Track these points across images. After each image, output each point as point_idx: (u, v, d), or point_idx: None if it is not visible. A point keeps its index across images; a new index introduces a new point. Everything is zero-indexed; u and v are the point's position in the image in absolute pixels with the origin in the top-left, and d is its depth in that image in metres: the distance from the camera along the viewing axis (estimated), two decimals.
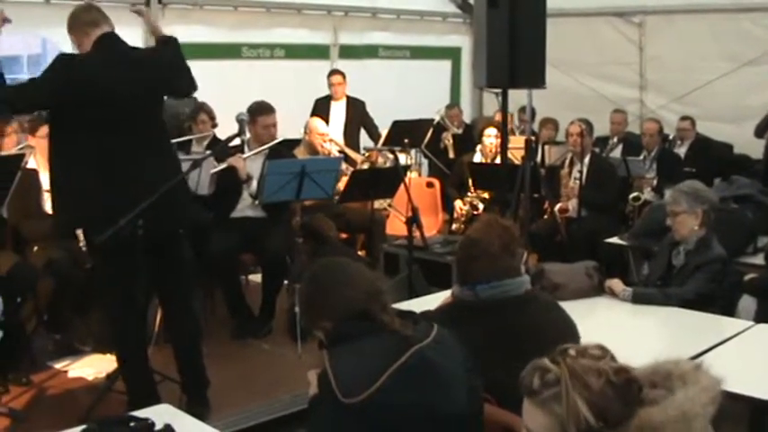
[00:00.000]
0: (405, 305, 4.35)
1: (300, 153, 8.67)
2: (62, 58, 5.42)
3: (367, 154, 10.72)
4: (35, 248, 6.91)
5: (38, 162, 7.00)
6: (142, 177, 5.25)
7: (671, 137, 11.13)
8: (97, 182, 5.23)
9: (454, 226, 10.00)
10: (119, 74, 5.34)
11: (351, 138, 11.03)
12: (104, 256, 5.31)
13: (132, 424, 3.41)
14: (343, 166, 8.57)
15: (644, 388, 2.34)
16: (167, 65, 5.62)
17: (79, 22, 5.47)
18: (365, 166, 9.89)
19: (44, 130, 6.89)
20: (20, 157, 6.51)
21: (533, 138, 10.11)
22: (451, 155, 11.97)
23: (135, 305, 5.58)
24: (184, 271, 5.87)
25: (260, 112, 7.78)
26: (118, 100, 5.29)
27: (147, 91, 5.47)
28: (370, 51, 13.13)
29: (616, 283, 5.64)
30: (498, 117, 10.34)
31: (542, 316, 3.82)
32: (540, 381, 2.34)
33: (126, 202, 5.05)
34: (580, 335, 3.79)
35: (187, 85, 5.69)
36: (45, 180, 6.90)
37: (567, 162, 9.37)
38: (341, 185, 8.19)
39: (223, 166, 7.48)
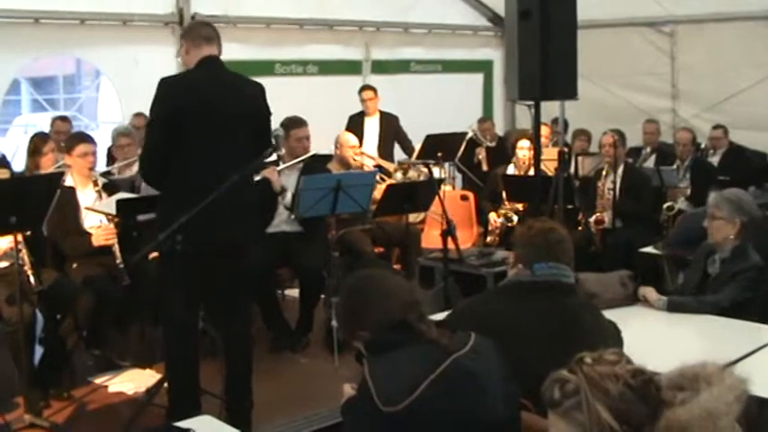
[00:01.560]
0: (440, 316, 4.39)
1: (333, 168, 8.71)
2: (164, 83, 5.51)
3: (398, 161, 10.80)
4: (74, 265, 6.99)
5: (75, 180, 7.09)
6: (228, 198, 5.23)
7: (703, 146, 11.10)
8: (190, 198, 5.25)
9: (489, 238, 9.99)
10: (224, 95, 5.48)
11: (385, 152, 11.07)
12: (173, 266, 5.38)
13: None
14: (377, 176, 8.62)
15: (663, 389, 2.37)
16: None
17: (196, 33, 5.62)
18: (399, 175, 9.93)
19: (80, 149, 7.00)
20: (59, 176, 6.61)
21: (566, 149, 10.11)
22: (485, 168, 11.98)
23: (194, 314, 5.70)
24: (243, 285, 5.94)
25: (293, 125, 7.85)
26: (219, 119, 5.39)
27: (247, 116, 5.55)
28: (402, 66, 13.20)
29: (650, 291, 5.62)
30: (546, 130, 10.47)
31: (582, 311, 3.99)
32: (560, 392, 2.39)
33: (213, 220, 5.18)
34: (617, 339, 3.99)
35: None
36: (82, 198, 7.00)
37: (604, 173, 9.34)
38: (376, 194, 8.22)
39: (257, 178, 7.53)
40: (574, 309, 3.92)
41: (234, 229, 5.52)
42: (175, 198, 5.36)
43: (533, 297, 3.89)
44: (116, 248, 6.84)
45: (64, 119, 10.05)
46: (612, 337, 4.00)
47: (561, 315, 3.84)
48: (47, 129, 9.75)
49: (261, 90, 5.76)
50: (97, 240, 6.88)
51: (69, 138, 7.55)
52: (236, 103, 5.53)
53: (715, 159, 10.83)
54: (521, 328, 3.74)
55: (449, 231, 7.36)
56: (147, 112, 9.22)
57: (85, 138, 7.36)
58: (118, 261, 6.81)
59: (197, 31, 5.66)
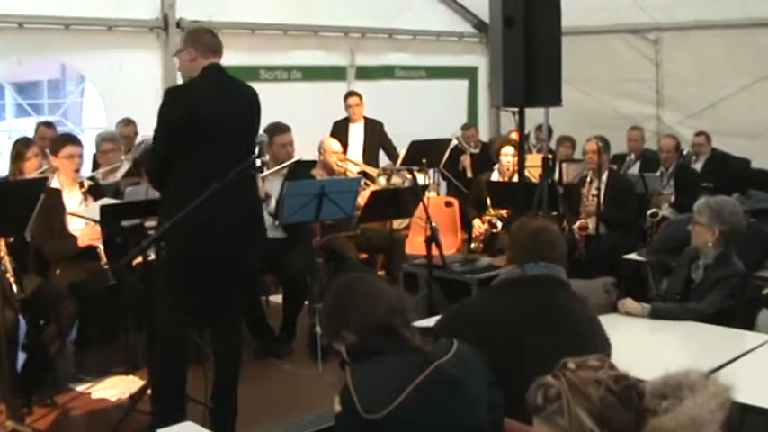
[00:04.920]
0: (424, 323, 4.40)
1: (317, 174, 8.72)
2: (172, 93, 5.62)
3: (383, 167, 10.80)
4: (58, 271, 6.96)
5: (60, 182, 7.06)
6: (236, 204, 5.35)
7: (685, 152, 11.10)
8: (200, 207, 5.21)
9: (473, 245, 9.99)
10: (232, 105, 5.53)
11: (370, 159, 11.06)
12: (165, 272, 5.42)
13: None
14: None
15: (647, 396, 2.38)
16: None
17: (205, 42, 5.65)
18: (382, 180, 9.92)
19: (67, 150, 6.97)
20: (43, 181, 6.57)
21: (551, 156, 10.12)
22: (469, 174, 11.97)
23: (184, 320, 5.70)
24: (241, 294, 5.94)
25: (276, 131, 7.85)
26: (228, 128, 5.43)
27: (250, 124, 5.63)
28: (386, 72, 13.19)
29: (629, 303, 5.64)
30: (516, 136, 10.39)
31: (573, 304, 4.04)
32: (543, 397, 2.41)
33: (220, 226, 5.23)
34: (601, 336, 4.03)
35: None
36: (67, 200, 6.98)
37: (588, 180, 9.35)
38: (360, 200, 8.21)
39: None
40: (564, 300, 3.98)
41: (237, 237, 5.53)
42: (180, 206, 5.34)
43: (523, 291, 3.95)
44: (101, 249, 6.82)
45: (49, 124, 10.00)
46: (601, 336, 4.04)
47: (552, 306, 3.91)
48: (31, 134, 9.71)
49: (257, 97, 5.83)
50: (82, 240, 6.85)
51: (55, 139, 7.50)
52: (238, 112, 5.58)
53: (698, 166, 10.86)
54: (513, 319, 3.80)
55: (433, 238, 7.36)
56: (126, 119, 9.28)
57: (72, 139, 7.33)
58: (103, 262, 6.79)
59: (206, 40, 5.68)
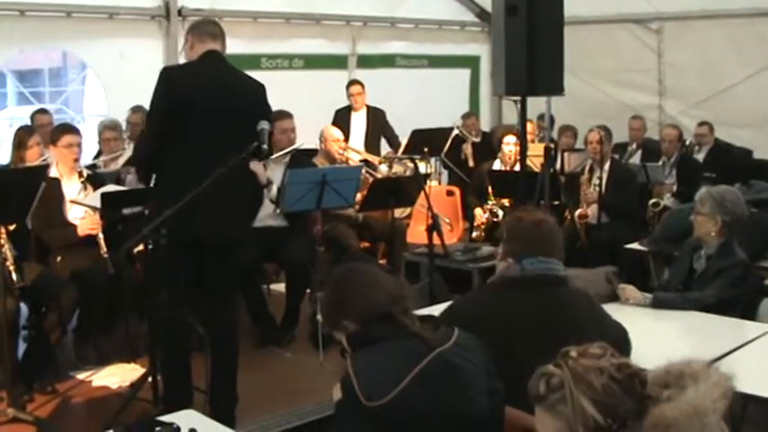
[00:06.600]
0: (426, 311, 4.38)
1: (319, 162, 8.69)
2: (166, 71, 5.67)
3: (384, 155, 10.80)
4: (59, 258, 6.95)
5: (60, 172, 7.06)
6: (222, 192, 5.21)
7: (688, 142, 11.09)
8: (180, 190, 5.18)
9: (474, 234, 9.99)
10: (221, 89, 5.56)
11: (372, 147, 11.05)
12: (161, 259, 5.34)
13: (158, 428, 3.43)
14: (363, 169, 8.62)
15: (649, 384, 2.37)
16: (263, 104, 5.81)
17: (201, 29, 5.79)
18: (384, 167, 9.91)
19: (65, 140, 6.97)
20: (43, 168, 6.57)
21: (552, 145, 10.11)
22: (471, 163, 11.96)
23: (183, 306, 5.74)
24: (231, 280, 5.93)
25: (277, 117, 7.80)
26: (215, 112, 5.46)
27: (243, 113, 5.53)
28: (387, 61, 13.16)
29: (631, 291, 5.61)
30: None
31: (576, 300, 3.95)
32: (545, 386, 2.40)
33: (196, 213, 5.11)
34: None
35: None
36: (67, 189, 6.97)
37: (587, 169, 9.36)
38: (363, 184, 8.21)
39: None
40: (566, 299, 3.88)
41: (226, 222, 5.54)
42: (168, 190, 5.37)
43: (523, 291, 3.82)
44: (101, 238, 6.81)
45: (45, 111, 9.99)
46: (613, 337, 3.77)
47: (552, 307, 3.79)
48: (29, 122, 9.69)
49: (261, 89, 5.84)
50: (82, 230, 6.85)
51: (55, 129, 7.51)
52: (233, 98, 5.59)
53: (700, 156, 10.85)
54: (515, 323, 3.71)
55: (434, 226, 7.36)
56: (136, 106, 9.28)
57: (71, 129, 7.34)
58: (103, 251, 6.78)
59: (202, 27, 5.81)
